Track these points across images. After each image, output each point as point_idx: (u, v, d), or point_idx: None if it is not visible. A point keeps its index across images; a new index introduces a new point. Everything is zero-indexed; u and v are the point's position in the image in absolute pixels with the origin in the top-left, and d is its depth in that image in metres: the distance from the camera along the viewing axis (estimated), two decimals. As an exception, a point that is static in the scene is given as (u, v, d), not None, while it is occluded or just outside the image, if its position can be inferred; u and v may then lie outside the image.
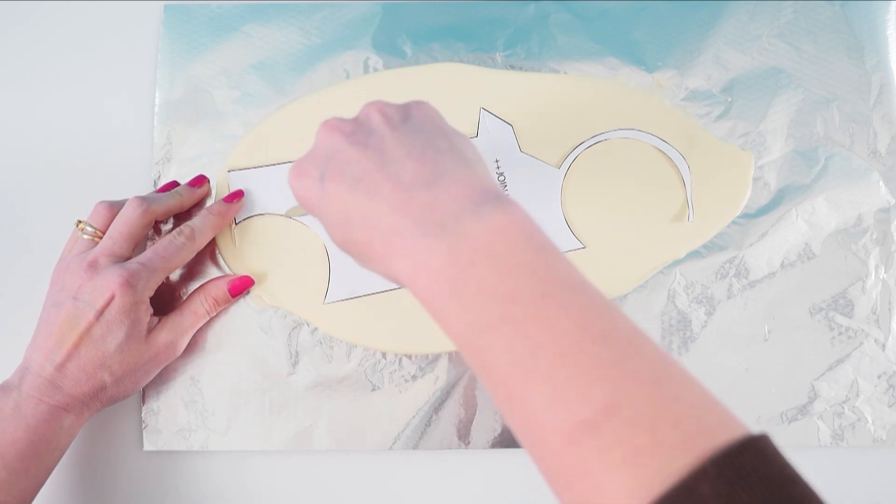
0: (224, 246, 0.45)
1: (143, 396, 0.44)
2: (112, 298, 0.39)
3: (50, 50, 0.49)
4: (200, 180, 0.45)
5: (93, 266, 0.39)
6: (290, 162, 0.46)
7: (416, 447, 0.43)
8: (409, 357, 0.44)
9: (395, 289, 0.44)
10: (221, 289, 0.43)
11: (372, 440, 0.43)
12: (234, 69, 0.47)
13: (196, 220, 0.42)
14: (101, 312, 0.38)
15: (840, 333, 0.44)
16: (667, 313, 0.44)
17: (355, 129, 0.32)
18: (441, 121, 0.33)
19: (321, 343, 0.44)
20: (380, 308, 0.44)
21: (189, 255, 0.42)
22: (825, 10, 0.47)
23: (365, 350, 0.44)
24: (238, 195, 0.44)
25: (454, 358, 0.44)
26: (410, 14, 0.48)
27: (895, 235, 0.44)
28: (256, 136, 0.46)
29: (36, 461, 0.38)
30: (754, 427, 0.42)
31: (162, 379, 0.44)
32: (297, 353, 0.44)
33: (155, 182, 0.46)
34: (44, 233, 0.46)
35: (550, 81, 0.46)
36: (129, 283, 0.39)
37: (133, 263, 0.40)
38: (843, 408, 0.43)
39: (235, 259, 0.45)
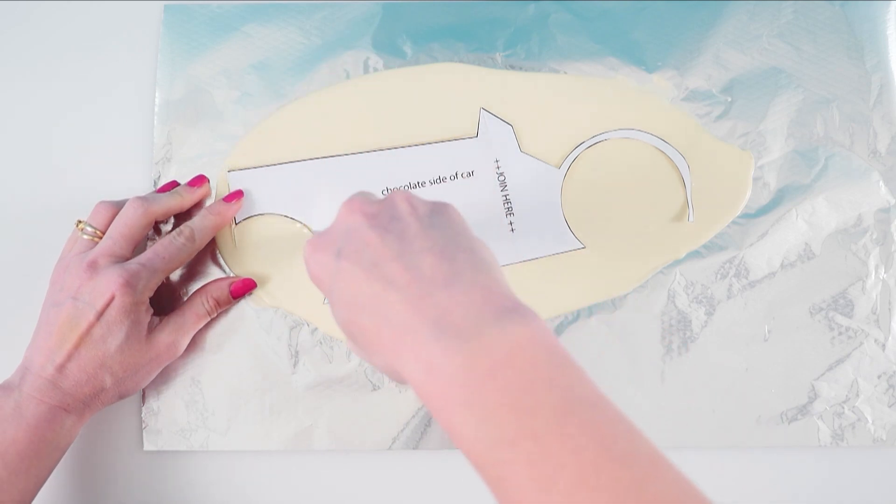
0: (224, 246, 0.45)
1: (143, 396, 0.44)
2: (112, 299, 0.39)
3: (50, 50, 0.49)
4: (200, 180, 0.45)
5: (92, 266, 0.39)
6: (290, 162, 0.46)
7: (415, 447, 0.43)
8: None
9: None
10: (223, 290, 0.43)
11: (372, 440, 0.43)
12: (234, 69, 0.47)
13: (196, 220, 0.42)
14: (101, 313, 0.38)
15: (840, 333, 0.44)
16: (667, 313, 0.44)
17: (378, 213, 0.32)
18: (465, 224, 0.32)
19: (321, 343, 0.44)
20: (380, 308, 0.44)
21: (189, 256, 0.42)
22: (825, 10, 0.47)
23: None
24: (237, 195, 0.44)
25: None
26: (410, 14, 0.48)
27: (895, 235, 0.44)
28: (256, 136, 0.46)
29: (36, 461, 0.38)
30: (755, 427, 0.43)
31: (162, 379, 0.44)
32: (296, 353, 0.44)
33: (155, 182, 0.46)
34: (44, 233, 0.46)
35: (550, 81, 0.46)
36: (130, 284, 0.39)
37: (133, 264, 0.40)
38: (843, 408, 0.43)
39: (235, 259, 0.45)
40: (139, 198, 0.42)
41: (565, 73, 0.47)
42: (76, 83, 0.48)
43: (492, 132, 0.46)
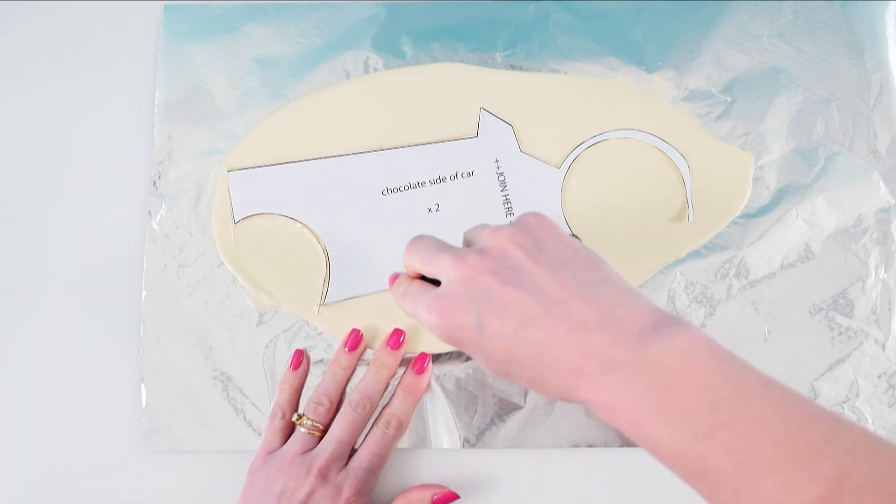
0: (224, 246, 0.45)
1: (144, 396, 0.44)
2: None
3: (50, 49, 0.49)
4: (398, 339, 0.43)
5: (323, 474, 0.39)
6: (290, 162, 0.46)
7: (414, 446, 0.43)
8: (409, 357, 0.44)
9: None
10: (425, 500, 0.41)
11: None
12: (235, 69, 0.47)
13: (397, 407, 0.42)
14: None
15: (840, 333, 0.44)
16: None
17: (498, 268, 0.32)
18: (567, 237, 0.33)
19: (320, 343, 0.44)
20: (380, 308, 0.44)
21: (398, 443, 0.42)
22: (825, 10, 0.47)
23: (365, 350, 0.44)
24: (423, 366, 0.43)
25: (453, 358, 0.44)
26: (410, 14, 0.48)
27: (895, 235, 0.44)
28: (256, 135, 0.46)
29: None
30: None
31: (162, 379, 0.44)
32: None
33: (154, 182, 0.46)
34: (44, 233, 0.46)
35: (550, 81, 0.46)
36: (361, 492, 0.39)
37: (360, 471, 0.39)
38: (843, 408, 0.43)
39: (235, 258, 0.45)
40: (361, 397, 0.41)
41: (565, 73, 0.47)
42: (76, 82, 0.48)
43: (492, 132, 0.46)
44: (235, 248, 0.45)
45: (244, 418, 0.44)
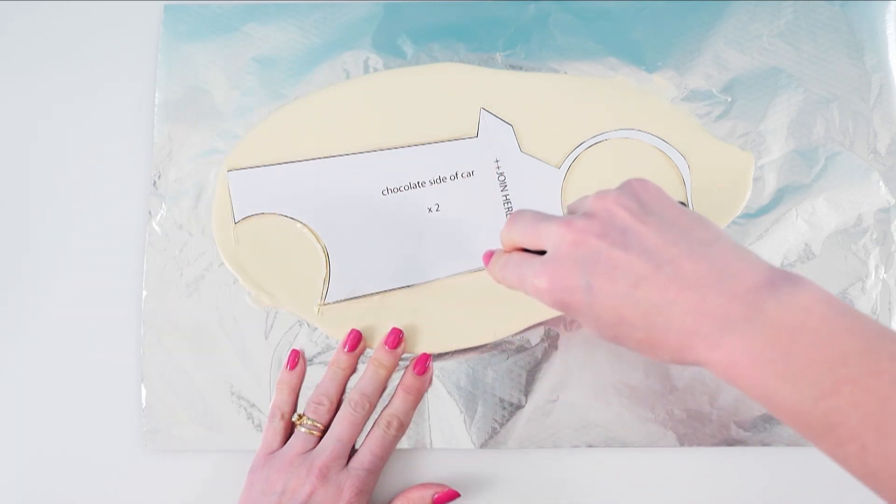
0: (224, 245, 0.45)
1: (143, 397, 0.44)
2: None
3: (50, 49, 0.49)
4: (396, 339, 0.43)
5: (324, 472, 0.39)
6: (290, 162, 0.46)
7: (414, 447, 0.43)
8: (408, 357, 0.44)
9: (394, 289, 0.44)
10: (426, 499, 0.41)
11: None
12: (235, 69, 0.47)
13: (398, 407, 0.41)
14: None
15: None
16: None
17: (605, 229, 0.32)
18: (673, 200, 0.33)
19: (320, 343, 0.44)
20: (379, 308, 0.44)
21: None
22: (825, 10, 0.47)
23: (365, 350, 0.44)
24: (424, 367, 0.43)
25: (453, 358, 0.44)
26: (410, 14, 0.48)
27: (895, 235, 0.44)
28: (256, 135, 0.46)
29: None
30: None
31: (162, 379, 0.44)
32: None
33: (154, 182, 0.46)
34: (44, 232, 0.46)
35: (551, 81, 0.46)
36: (363, 492, 0.39)
37: (361, 471, 0.39)
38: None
39: (235, 258, 0.45)
40: (360, 395, 0.41)
41: (565, 72, 0.47)
42: (76, 82, 0.48)
43: (492, 132, 0.46)
44: (235, 248, 0.45)
45: (244, 418, 0.44)
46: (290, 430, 0.42)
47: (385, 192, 0.45)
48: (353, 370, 0.43)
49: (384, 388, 0.42)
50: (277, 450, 0.41)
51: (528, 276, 0.33)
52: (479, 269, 0.44)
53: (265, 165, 0.46)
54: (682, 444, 0.42)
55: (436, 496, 0.40)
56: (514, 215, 0.35)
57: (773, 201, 0.45)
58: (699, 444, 0.43)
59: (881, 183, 0.45)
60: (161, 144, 0.46)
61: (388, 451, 0.41)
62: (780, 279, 0.29)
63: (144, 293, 0.45)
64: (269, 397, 0.44)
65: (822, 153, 0.45)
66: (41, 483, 0.44)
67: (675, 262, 0.30)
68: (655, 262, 0.30)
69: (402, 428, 0.41)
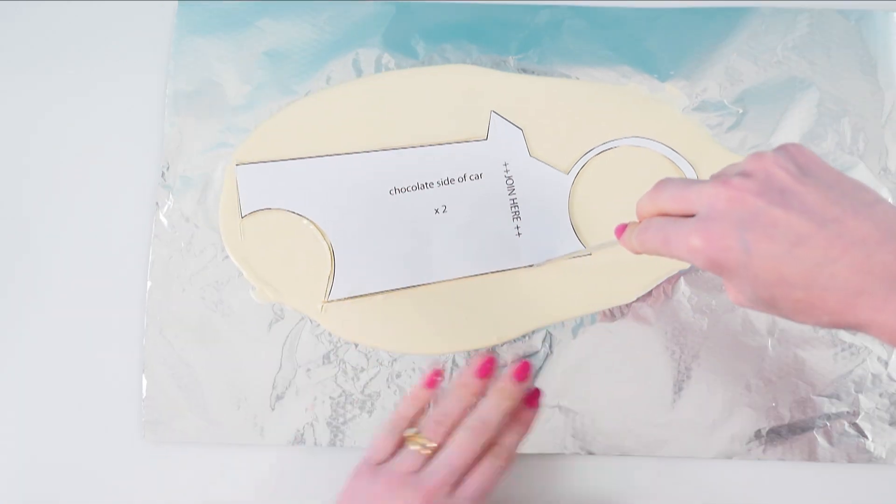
0: (230, 239, 0.45)
1: (143, 388, 0.44)
2: None
3: (65, 41, 0.49)
4: (487, 368, 0.40)
5: (429, 500, 0.36)
6: (299, 158, 0.46)
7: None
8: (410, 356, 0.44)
9: (397, 289, 0.44)
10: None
11: (371, 437, 0.43)
12: (247, 63, 0.47)
13: (508, 440, 0.39)
14: None
15: (843, 349, 0.43)
16: (670, 323, 0.44)
17: (764, 189, 0.31)
18: (829, 165, 0.32)
19: (322, 339, 0.44)
20: (382, 307, 0.44)
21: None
22: (840, 25, 0.47)
23: (366, 348, 0.44)
24: (525, 376, 0.40)
25: (455, 359, 0.44)
26: (424, 14, 0.48)
27: (902, 253, 0.44)
28: (266, 130, 0.46)
29: None
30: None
31: (164, 370, 0.44)
32: (298, 349, 0.44)
33: (163, 174, 0.46)
34: (52, 221, 0.46)
35: (562, 87, 0.46)
36: None
37: (466, 500, 0.37)
38: (844, 424, 0.43)
39: (240, 252, 0.45)
40: (482, 423, 0.38)
41: (577, 78, 0.47)
42: (89, 74, 0.48)
43: (501, 135, 0.46)
44: (241, 242, 0.45)
45: (245, 412, 0.44)
46: (401, 443, 0.39)
47: (392, 192, 0.45)
48: (483, 394, 0.40)
49: (505, 419, 0.39)
50: (385, 461, 0.39)
51: (679, 236, 0.32)
52: (483, 273, 0.44)
53: (274, 161, 0.46)
54: (682, 455, 0.42)
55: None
56: (659, 183, 0.34)
57: (781, 215, 0.45)
58: (695, 457, 0.42)
59: (891, 199, 0.45)
60: (171, 137, 0.47)
61: (495, 483, 0.38)
62: None
63: (149, 284, 0.45)
64: (270, 391, 0.44)
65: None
66: (40, 472, 0.44)
67: (838, 221, 0.29)
68: (817, 221, 0.29)
69: (511, 460, 0.39)
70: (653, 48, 0.47)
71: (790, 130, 0.45)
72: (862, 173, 0.45)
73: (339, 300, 0.44)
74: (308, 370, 0.44)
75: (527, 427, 0.40)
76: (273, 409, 0.44)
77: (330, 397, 0.44)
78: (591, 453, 0.43)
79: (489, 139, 0.46)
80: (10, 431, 0.44)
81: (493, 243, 0.44)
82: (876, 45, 0.46)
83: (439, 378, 0.41)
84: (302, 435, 0.43)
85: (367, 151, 0.46)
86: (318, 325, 0.44)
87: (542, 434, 0.43)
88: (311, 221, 0.45)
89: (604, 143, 0.46)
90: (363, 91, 0.46)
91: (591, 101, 0.46)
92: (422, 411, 0.40)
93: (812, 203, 0.30)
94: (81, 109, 0.48)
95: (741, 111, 0.46)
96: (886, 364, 0.43)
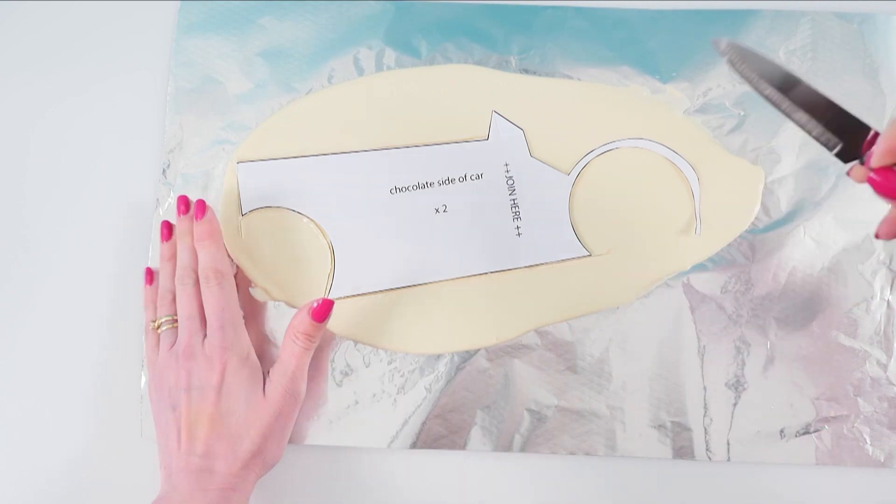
0: (230, 237, 0.45)
1: (142, 384, 0.44)
2: (223, 369, 0.39)
3: (67, 40, 0.49)
4: (200, 208, 0.44)
5: (189, 353, 0.40)
6: (299, 157, 0.46)
7: (413, 446, 0.43)
8: (410, 355, 0.44)
9: (397, 288, 0.44)
10: (305, 320, 0.41)
11: (370, 438, 0.43)
12: (248, 61, 0.47)
13: (206, 259, 0.42)
14: (218, 387, 0.39)
15: (842, 353, 0.43)
16: (669, 325, 0.44)
17: None
18: None
19: (322, 338, 0.44)
20: (382, 306, 0.44)
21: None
22: (843, 28, 0.47)
23: (365, 347, 0.44)
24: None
25: (454, 358, 0.44)
26: (426, 13, 0.48)
27: (902, 257, 0.44)
28: (267, 128, 0.46)
29: None
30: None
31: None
32: (298, 347, 0.44)
33: (164, 171, 0.46)
34: (52, 217, 0.47)
35: (563, 87, 0.46)
36: (225, 347, 0.40)
37: (214, 331, 0.40)
38: (843, 428, 0.43)
39: (241, 251, 0.45)
40: (183, 269, 0.42)
41: (579, 79, 0.47)
42: (91, 72, 0.48)
43: (503, 135, 0.46)
44: (241, 240, 0.45)
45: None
46: (157, 340, 0.43)
47: (393, 191, 0.45)
48: (174, 257, 0.44)
49: (194, 252, 0.43)
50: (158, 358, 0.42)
51: None
52: (482, 273, 0.44)
53: (274, 159, 0.46)
54: (678, 457, 0.42)
55: (311, 312, 0.40)
56: None
57: (781, 217, 0.45)
58: (694, 459, 0.42)
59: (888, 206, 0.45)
60: (172, 133, 0.47)
61: (226, 301, 0.41)
62: None
63: (149, 281, 0.45)
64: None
65: (834, 171, 0.45)
66: (37, 465, 0.44)
67: None
68: None
69: (221, 276, 0.42)
70: (655, 50, 0.47)
71: (791, 133, 0.45)
72: (863, 177, 0.45)
73: (339, 299, 0.44)
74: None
75: (214, 241, 0.43)
76: (271, 407, 0.44)
77: (330, 397, 0.44)
78: (587, 454, 0.43)
79: (490, 139, 0.46)
80: (9, 430, 0.44)
81: (493, 243, 0.44)
82: (878, 48, 0.46)
83: (152, 280, 0.44)
84: (301, 435, 0.43)
85: (368, 150, 0.46)
86: (318, 323, 0.44)
87: (543, 434, 0.43)
88: (311, 220, 0.45)
89: (605, 144, 0.46)
90: (364, 90, 0.46)
91: (592, 102, 0.46)
92: (154, 308, 0.43)
93: None
94: (82, 107, 0.48)
95: (742, 113, 0.46)
96: (886, 368, 0.43)
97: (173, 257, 0.44)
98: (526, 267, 0.44)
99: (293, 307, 0.44)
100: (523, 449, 0.43)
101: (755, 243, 0.44)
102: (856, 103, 0.46)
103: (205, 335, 0.40)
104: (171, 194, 0.46)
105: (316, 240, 0.45)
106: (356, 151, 0.46)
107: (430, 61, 0.47)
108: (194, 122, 0.47)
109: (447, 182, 0.45)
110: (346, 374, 0.44)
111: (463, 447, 0.43)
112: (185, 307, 0.41)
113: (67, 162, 0.47)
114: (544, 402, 0.43)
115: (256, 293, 0.45)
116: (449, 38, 0.47)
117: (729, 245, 0.45)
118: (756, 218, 0.45)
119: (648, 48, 0.47)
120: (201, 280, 0.42)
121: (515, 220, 0.45)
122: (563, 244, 0.45)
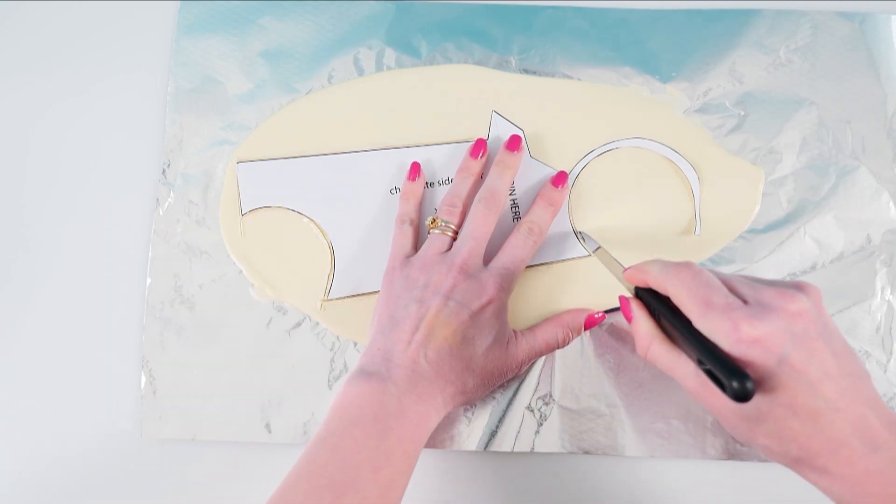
0: (230, 237, 0.45)
1: (142, 384, 0.44)
2: (489, 303, 0.39)
3: (67, 39, 0.49)
4: (479, 147, 0.44)
5: (465, 269, 0.39)
6: (299, 157, 0.46)
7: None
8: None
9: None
10: (578, 322, 0.42)
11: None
12: (248, 61, 0.47)
13: (539, 215, 0.42)
14: (476, 314, 0.38)
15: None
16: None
17: (816, 317, 0.32)
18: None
19: (322, 338, 0.44)
20: (383, 306, 0.44)
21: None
22: (844, 27, 0.47)
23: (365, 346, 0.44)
24: (563, 181, 0.43)
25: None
26: (426, 13, 0.48)
27: (903, 257, 0.44)
28: (267, 128, 0.46)
29: (413, 464, 0.36)
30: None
31: (162, 367, 0.44)
32: (298, 347, 0.44)
33: (164, 171, 0.46)
34: (51, 215, 0.47)
35: (563, 87, 0.46)
36: (504, 288, 0.39)
37: (502, 269, 0.40)
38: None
39: (242, 251, 0.45)
40: (489, 197, 0.41)
41: (579, 79, 0.47)
42: (91, 72, 0.48)
43: (503, 136, 0.46)
44: (241, 240, 0.45)
45: (242, 409, 0.44)
46: (418, 235, 0.43)
47: (393, 191, 0.45)
48: (480, 176, 0.44)
49: (510, 190, 0.43)
50: (412, 254, 0.42)
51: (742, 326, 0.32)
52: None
53: (274, 159, 0.46)
54: (678, 456, 0.42)
55: (586, 319, 0.42)
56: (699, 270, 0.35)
57: (782, 217, 0.45)
58: (693, 457, 0.42)
59: (891, 204, 0.45)
60: (172, 134, 0.47)
61: (528, 256, 0.41)
62: None
63: (149, 280, 0.45)
64: (270, 387, 0.44)
65: (834, 172, 0.45)
66: (39, 469, 0.44)
67: (852, 377, 0.31)
68: (837, 369, 0.31)
69: (541, 235, 0.42)
70: (655, 50, 0.47)
71: (791, 133, 0.45)
72: (863, 177, 0.45)
73: (339, 298, 0.44)
74: (307, 368, 0.44)
75: (555, 204, 0.43)
76: (272, 407, 0.44)
77: (330, 395, 0.44)
78: (586, 452, 0.43)
79: (490, 140, 0.46)
80: (9, 429, 0.44)
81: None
82: (878, 48, 0.46)
83: (419, 170, 0.44)
84: (301, 433, 0.43)
85: (368, 150, 0.46)
86: (318, 323, 0.44)
87: (542, 434, 0.43)
88: (311, 220, 0.45)
89: (605, 144, 0.45)
90: (364, 90, 0.46)
91: (592, 102, 0.46)
92: (419, 201, 0.44)
93: (839, 350, 0.32)
94: (83, 107, 0.48)
95: (743, 114, 0.46)
96: (885, 368, 0.43)
97: (478, 175, 0.44)
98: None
99: (293, 307, 0.44)
100: (523, 448, 0.43)
101: (756, 243, 0.44)
102: (857, 104, 0.46)
103: (483, 265, 0.40)
104: (171, 194, 0.46)
105: (316, 240, 0.45)
106: (356, 151, 0.46)
107: (431, 61, 0.47)
108: (194, 122, 0.47)
109: (447, 182, 0.45)
110: (347, 374, 0.44)
111: (462, 446, 0.43)
112: (479, 228, 0.41)
113: (67, 162, 0.47)
114: (544, 401, 0.43)
115: (256, 293, 0.45)
116: (449, 38, 0.47)
117: (729, 245, 0.44)
118: (756, 218, 0.45)
119: (648, 48, 0.47)
120: (523, 228, 0.42)
121: (515, 220, 0.45)
122: (562, 244, 0.45)
